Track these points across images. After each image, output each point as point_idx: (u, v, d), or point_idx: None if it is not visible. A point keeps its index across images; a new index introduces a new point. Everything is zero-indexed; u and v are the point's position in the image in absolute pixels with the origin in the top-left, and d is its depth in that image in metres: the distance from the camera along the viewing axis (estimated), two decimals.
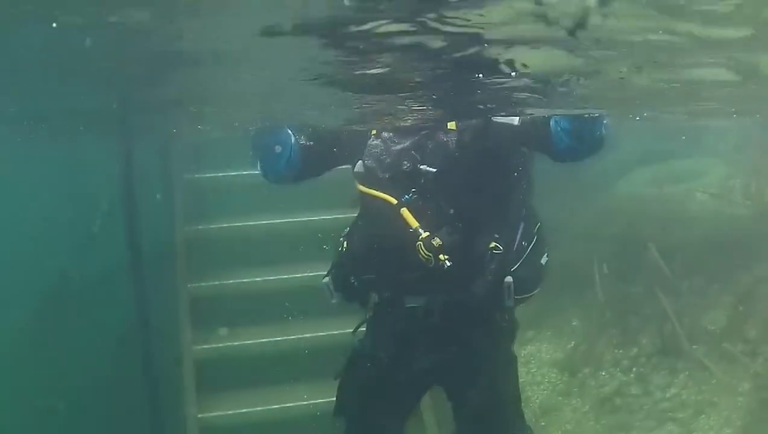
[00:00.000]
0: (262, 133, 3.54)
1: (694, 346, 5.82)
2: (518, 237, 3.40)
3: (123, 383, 5.83)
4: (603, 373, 5.88)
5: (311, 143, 3.51)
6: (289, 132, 3.49)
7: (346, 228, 3.61)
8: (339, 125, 3.74)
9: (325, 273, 3.56)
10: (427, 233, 3.19)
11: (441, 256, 3.17)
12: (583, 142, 3.20)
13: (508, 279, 3.30)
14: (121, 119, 5.19)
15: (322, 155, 3.58)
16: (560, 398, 5.78)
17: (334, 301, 3.53)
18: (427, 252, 3.17)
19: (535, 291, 3.48)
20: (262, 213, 5.75)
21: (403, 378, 3.51)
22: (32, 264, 6.04)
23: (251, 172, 5.64)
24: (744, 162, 6.83)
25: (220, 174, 5.92)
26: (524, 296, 3.41)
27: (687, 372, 5.76)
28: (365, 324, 3.57)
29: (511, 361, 3.60)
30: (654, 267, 6.14)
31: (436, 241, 3.17)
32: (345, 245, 3.52)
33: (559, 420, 5.65)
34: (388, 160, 3.37)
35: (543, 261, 3.49)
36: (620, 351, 5.96)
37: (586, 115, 3.37)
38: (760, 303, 5.84)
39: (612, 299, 6.13)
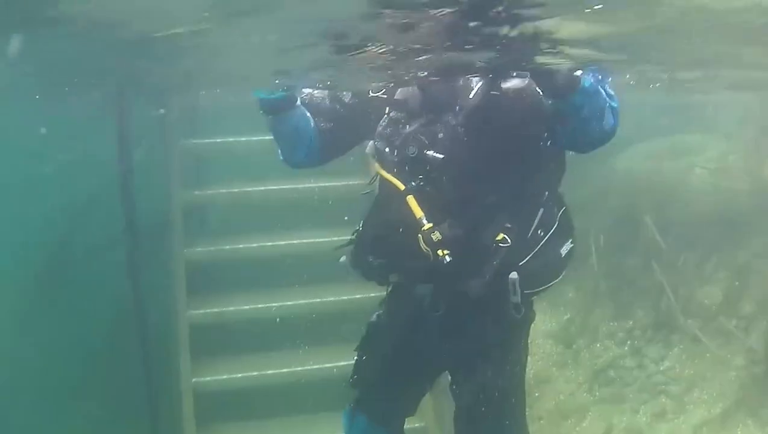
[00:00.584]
0: (280, 120, 3.36)
1: (689, 320, 5.83)
2: (534, 225, 3.20)
3: (118, 348, 5.85)
4: (598, 345, 5.91)
5: (331, 125, 3.41)
6: (308, 115, 3.38)
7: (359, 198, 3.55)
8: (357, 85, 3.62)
9: (327, 239, 3.51)
10: (430, 225, 3.08)
11: (440, 252, 3.06)
12: (587, 142, 3.11)
13: (513, 275, 3.12)
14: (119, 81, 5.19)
15: (342, 137, 3.47)
16: (554, 369, 5.80)
17: (353, 277, 3.44)
18: (426, 247, 3.08)
19: (552, 283, 3.27)
20: (259, 179, 5.72)
21: (415, 360, 3.45)
22: (27, 231, 6.03)
23: (249, 138, 5.71)
24: (743, 138, 6.81)
25: (218, 139, 5.89)
26: (537, 290, 3.25)
27: (681, 346, 5.78)
28: (383, 301, 3.54)
29: (519, 356, 3.45)
30: (651, 241, 6.14)
31: (436, 236, 3.06)
32: (361, 224, 3.45)
33: (552, 391, 5.68)
34: (397, 143, 3.25)
35: (564, 250, 3.27)
36: (615, 324, 5.98)
37: (598, 86, 3.01)
38: (756, 279, 5.84)
39: (608, 272, 6.14)
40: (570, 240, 3.32)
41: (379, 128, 3.34)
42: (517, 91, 3.10)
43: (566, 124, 3.01)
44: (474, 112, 3.17)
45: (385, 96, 3.39)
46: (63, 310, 6.03)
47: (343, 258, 3.43)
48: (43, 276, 6.13)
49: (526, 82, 3.06)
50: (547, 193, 3.30)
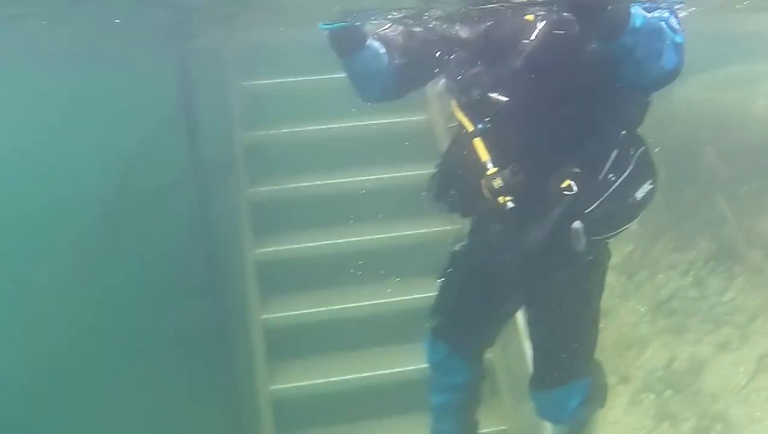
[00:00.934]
0: (352, 60, 3.27)
1: (751, 250, 5.81)
2: (606, 168, 3.07)
3: (188, 288, 5.98)
4: (660, 276, 5.91)
5: (405, 60, 3.31)
6: (381, 52, 3.28)
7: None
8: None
9: (388, 175, 3.48)
10: (494, 170, 3.05)
11: (500, 199, 3.03)
12: (646, 83, 2.91)
13: (577, 224, 3.01)
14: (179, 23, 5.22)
15: (416, 73, 3.39)
16: (617, 300, 5.81)
17: (436, 210, 3.43)
18: (488, 193, 3.06)
19: (624, 228, 3.16)
20: (320, 117, 5.76)
21: (494, 291, 3.46)
22: (95, 174, 6.12)
23: (309, 77, 5.73)
24: None
25: (278, 79, 5.91)
26: (605, 236, 3.14)
27: (744, 277, 5.76)
28: (469, 232, 3.54)
29: (593, 295, 3.42)
30: (712, 171, 6.10)
31: (497, 182, 3.01)
32: (441, 159, 3.42)
33: (616, 322, 5.71)
34: (463, 84, 3.18)
35: (640, 193, 3.12)
36: (678, 255, 5.97)
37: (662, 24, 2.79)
38: None
39: (670, 203, 6.09)
40: (649, 182, 3.18)
41: (449, 66, 3.28)
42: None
43: (621, 65, 2.83)
44: (536, 53, 3.06)
45: (455, 33, 3.34)
46: (131, 253, 6.14)
47: (424, 192, 3.42)
48: (110, 219, 6.24)
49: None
50: (624, 132, 3.18)
